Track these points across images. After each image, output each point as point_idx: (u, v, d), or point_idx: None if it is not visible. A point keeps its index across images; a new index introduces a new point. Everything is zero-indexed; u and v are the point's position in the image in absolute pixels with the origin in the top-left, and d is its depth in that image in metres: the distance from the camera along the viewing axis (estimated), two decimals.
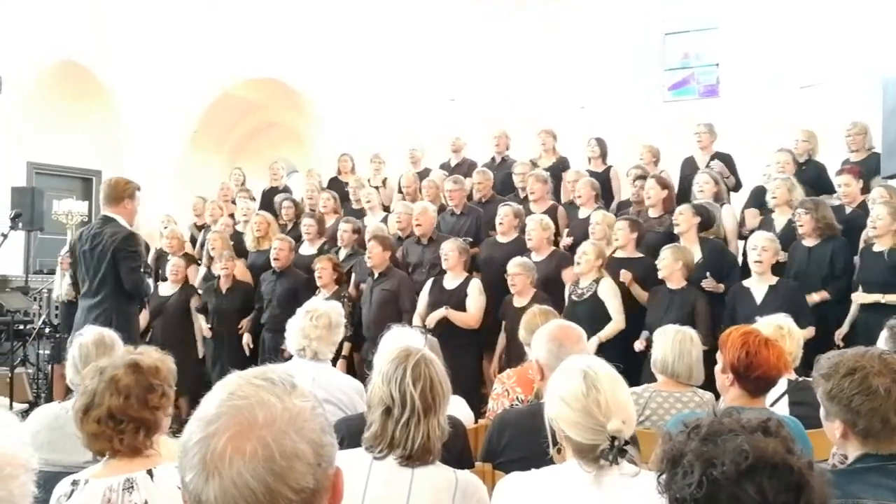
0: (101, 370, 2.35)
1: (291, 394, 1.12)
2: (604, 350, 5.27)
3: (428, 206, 7.01)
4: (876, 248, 5.42)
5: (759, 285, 5.43)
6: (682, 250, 5.73)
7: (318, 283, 6.61)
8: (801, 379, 3.62)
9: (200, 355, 7.47)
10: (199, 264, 8.19)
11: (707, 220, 6.11)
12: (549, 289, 6.03)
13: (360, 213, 8.12)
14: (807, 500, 1.32)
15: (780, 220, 6.16)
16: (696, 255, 5.88)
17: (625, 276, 5.86)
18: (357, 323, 6.48)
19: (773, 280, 5.44)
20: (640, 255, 6.12)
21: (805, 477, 1.33)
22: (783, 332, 3.73)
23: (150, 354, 2.45)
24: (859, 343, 2.32)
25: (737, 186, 7.53)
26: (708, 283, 5.65)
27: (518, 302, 5.88)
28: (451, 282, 6.27)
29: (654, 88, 11.12)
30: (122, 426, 2.27)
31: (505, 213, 6.65)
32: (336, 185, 9.31)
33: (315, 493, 1.09)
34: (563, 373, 2.20)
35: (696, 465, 1.36)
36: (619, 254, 6.11)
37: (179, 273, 7.59)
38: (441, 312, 6.06)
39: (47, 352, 8.45)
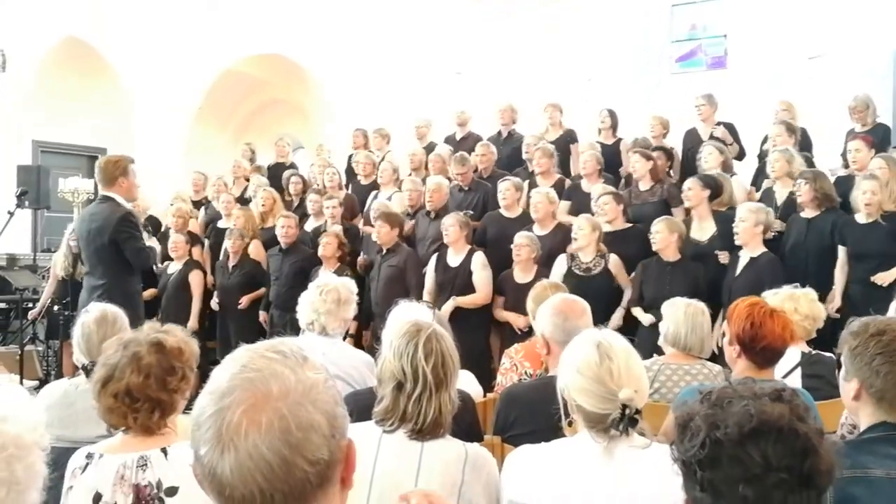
0: (125, 344, 2.33)
1: (304, 366, 1.12)
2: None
3: (442, 181, 7.00)
4: (862, 220, 5.36)
5: (744, 256, 5.43)
6: (675, 222, 5.73)
7: (320, 255, 6.64)
8: (814, 352, 3.62)
9: (193, 328, 7.43)
10: (202, 243, 8.16)
11: (716, 191, 6.04)
12: (553, 263, 5.98)
13: (369, 188, 8.10)
14: (812, 465, 1.31)
15: (781, 193, 6.09)
16: (710, 228, 5.84)
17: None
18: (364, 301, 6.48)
19: (758, 252, 5.39)
20: (630, 224, 6.14)
21: (812, 443, 1.32)
22: (796, 297, 3.73)
23: (175, 334, 2.41)
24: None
25: (740, 155, 7.48)
26: (724, 257, 5.62)
27: (520, 277, 5.86)
28: (454, 258, 6.26)
29: (662, 60, 11.03)
30: (137, 405, 2.26)
31: (506, 187, 6.61)
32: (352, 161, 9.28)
33: (329, 464, 1.09)
34: (577, 344, 2.21)
35: (702, 428, 1.37)
36: (609, 228, 6.06)
37: (179, 249, 7.59)
38: (451, 305, 5.99)
39: (43, 326, 8.46)
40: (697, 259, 5.70)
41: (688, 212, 6.16)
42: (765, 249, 5.43)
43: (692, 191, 5.93)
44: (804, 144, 6.89)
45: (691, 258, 5.70)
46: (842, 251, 5.47)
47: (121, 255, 5.19)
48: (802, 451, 1.31)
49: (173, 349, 2.34)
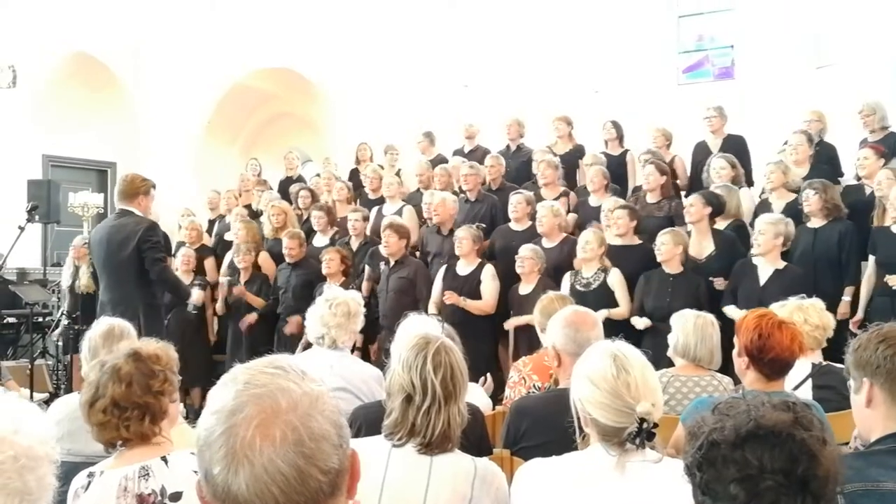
0: (103, 363, 2.40)
1: (305, 379, 1.14)
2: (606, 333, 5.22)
3: (447, 196, 7.00)
4: None
5: (765, 266, 5.37)
6: (681, 234, 5.71)
7: (325, 274, 6.64)
8: (824, 363, 3.61)
9: (212, 342, 7.52)
10: (216, 255, 8.19)
11: (718, 208, 5.99)
12: (560, 275, 6.00)
13: (376, 203, 8.11)
14: (807, 470, 1.31)
15: (777, 204, 6.10)
16: (709, 247, 5.80)
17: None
18: (371, 316, 6.49)
19: (781, 264, 5.35)
20: (639, 241, 6.08)
21: (809, 448, 1.32)
22: (805, 307, 3.72)
23: (150, 343, 2.50)
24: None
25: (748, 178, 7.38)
26: (719, 283, 5.58)
27: (523, 289, 5.89)
28: (464, 268, 6.29)
29: (669, 71, 11.04)
30: (126, 413, 2.32)
31: (517, 200, 6.64)
32: (356, 175, 9.31)
33: (339, 473, 1.11)
34: (591, 355, 2.19)
35: (704, 432, 1.38)
36: (618, 241, 6.05)
37: (189, 263, 7.61)
38: (459, 302, 6.02)
39: (61, 343, 8.52)
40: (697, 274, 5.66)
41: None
42: (785, 262, 5.40)
43: (694, 206, 5.87)
44: (826, 159, 6.87)
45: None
46: (871, 260, 5.44)
47: (143, 266, 5.27)
48: (798, 455, 1.31)
49: (151, 355, 2.41)
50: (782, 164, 6.20)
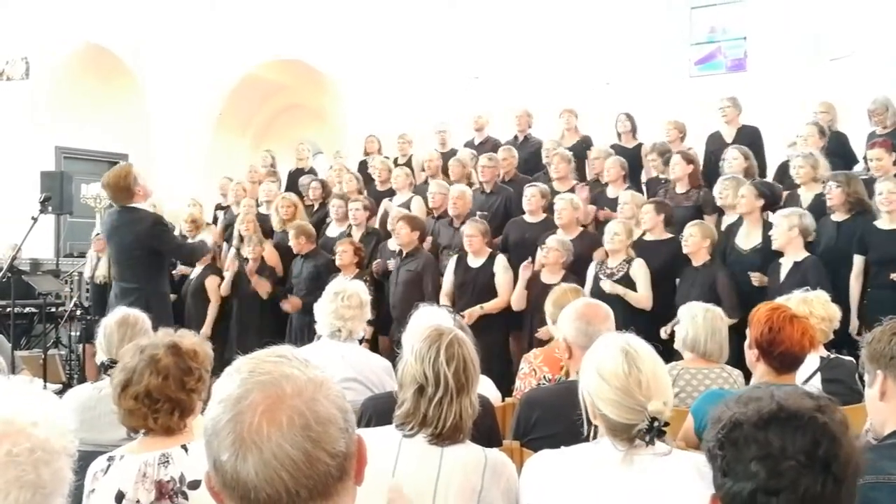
0: (142, 349, 2.39)
1: (308, 366, 1.15)
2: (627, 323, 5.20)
3: (466, 189, 6.98)
4: (885, 225, 5.27)
5: (787, 261, 5.34)
6: (709, 228, 5.68)
7: (338, 265, 6.63)
8: (833, 356, 3.60)
9: (206, 335, 7.41)
10: (219, 246, 8.18)
11: (772, 199, 5.89)
12: (578, 269, 5.96)
13: (385, 194, 8.10)
14: (828, 450, 1.31)
15: (806, 196, 6.02)
16: (756, 240, 5.69)
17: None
18: (382, 306, 6.49)
19: (800, 256, 5.31)
20: (670, 235, 6.01)
21: (831, 430, 1.33)
22: (809, 300, 3.70)
23: (189, 338, 2.49)
24: (872, 324, 2.28)
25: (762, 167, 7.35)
26: (756, 279, 5.48)
27: (547, 278, 5.81)
28: (475, 260, 6.25)
29: (681, 63, 10.99)
30: (157, 405, 2.32)
31: (532, 193, 6.60)
32: (364, 167, 9.29)
33: (346, 457, 1.12)
34: (601, 349, 2.16)
35: (728, 415, 1.40)
36: (648, 237, 6.01)
37: None
38: (477, 311, 5.95)
39: (76, 333, 8.57)
40: (737, 267, 5.61)
41: (720, 216, 6.20)
42: (808, 254, 5.34)
43: (745, 198, 5.74)
44: (838, 149, 6.82)
45: (731, 265, 5.63)
46: (858, 260, 5.37)
47: (154, 260, 5.40)
48: (820, 438, 1.32)
49: (189, 351, 2.41)
50: (812, 158, 6.06)
